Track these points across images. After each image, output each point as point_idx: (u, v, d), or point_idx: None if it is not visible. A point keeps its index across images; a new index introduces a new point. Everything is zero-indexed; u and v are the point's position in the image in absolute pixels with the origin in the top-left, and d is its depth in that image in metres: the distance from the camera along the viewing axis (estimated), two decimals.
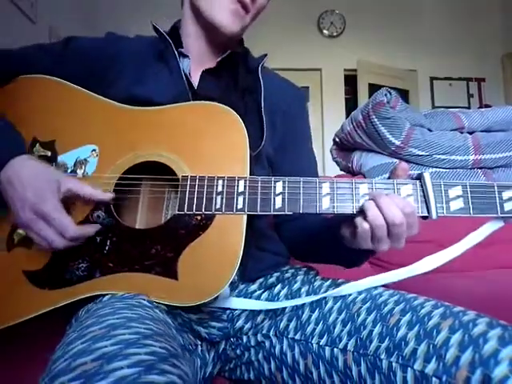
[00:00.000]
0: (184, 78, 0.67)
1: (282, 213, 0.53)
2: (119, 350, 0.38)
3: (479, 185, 0.52)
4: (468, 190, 0.52)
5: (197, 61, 0.73)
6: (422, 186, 0.52)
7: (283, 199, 0.53)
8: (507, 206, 0.51)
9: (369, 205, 0.51)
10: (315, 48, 4.33)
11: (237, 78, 0.71)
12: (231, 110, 0.59)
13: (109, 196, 0.58)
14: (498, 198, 0.52)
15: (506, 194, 0.52)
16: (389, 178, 0.56)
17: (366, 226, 0.51)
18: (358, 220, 0.52)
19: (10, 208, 0.56)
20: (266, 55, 0.75)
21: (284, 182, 0.54)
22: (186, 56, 0.71)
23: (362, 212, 0.52)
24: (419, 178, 0.53)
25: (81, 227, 0.55)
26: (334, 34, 4.40)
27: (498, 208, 0.51)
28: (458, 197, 0.52)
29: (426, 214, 0.52)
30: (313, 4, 4.34)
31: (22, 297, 0.57)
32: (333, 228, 0.60)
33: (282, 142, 0.74)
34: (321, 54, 4.33)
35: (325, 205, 0.53)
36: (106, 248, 0.57)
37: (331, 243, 0.61)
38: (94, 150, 0.61)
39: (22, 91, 0.66)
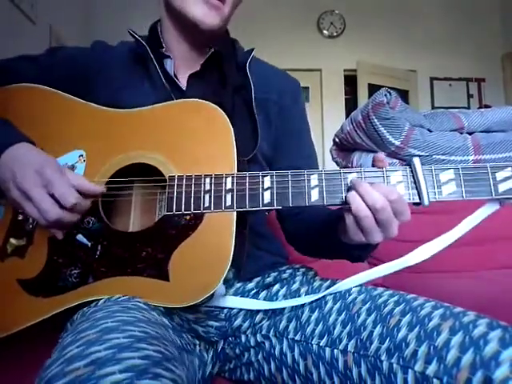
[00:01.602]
0: (165, 83, 0.66)
1: (272, 208, 0.53)
2: (112, 355, 0.38)
3: (472, 167, 0.50)
4: (460, 172, 0.50)
5: (182, 62, 0.71)
6: (412, 171, 0.51)
7: (272, 193, 0.53)
8: (502, 187, 0.49)
9: (350, 197, 0.50)
10: (315, 48, 4.34)
11: (224, 77, 0.69)
12: (217, 107, 0.58)
13: (100, 189, 0.56)
14: (491, 179, 0.49)
15: (499, 175, 0.49)
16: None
17: (350, 218, 0.50)
18: (345, 213, 0.52)
19: (5, 205, 0.55)
20: (253, 49, 0.72)
21: (272, 176, 0.53)
22: (167, 56, 0.69)
23: (346, 204, 0.51)
24: (409, 164, 0.51)
25: (80, 197, 0.53)
26: (334, 34, 4.41)
27: (492, 189, 0.49)
28: (450, 180, 0.50)
29: (418, 201, 0.50)
30: (313, 4, 4.34)
31: (18, 306, 0.57)
32: (333, 223, 0.59)
33: (278, 136, 0.73)
34: (320, 55, 4.34)
35: (314, 197, 0.52)
36: (98, 253, 0.56)
37: (332, 238, 0.60)
38: (81, 155, 0.61)
39: (7, 100, 0.65)
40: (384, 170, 0.51)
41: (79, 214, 0.54)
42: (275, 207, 0.53)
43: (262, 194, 0.53)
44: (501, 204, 0.51)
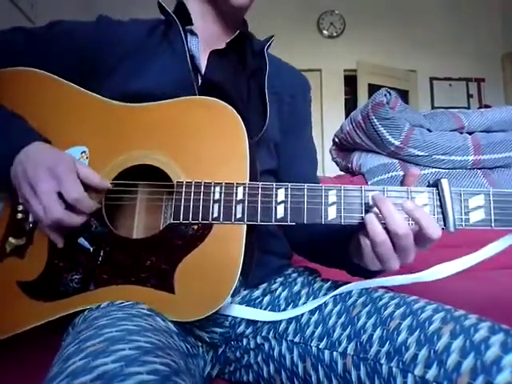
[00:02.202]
0: (189, 60, 0.62)
1: (284, 223, 0.49)
2: (120, 369, 0.36)
3: (504, 193, 0.46)
4: (491, 199, 0.47)
5: (205, 41, 0.69)
6: (439, 194, 0.47)
7: (285, 208, 0.49)
8: None
9: (368, 218, 0.46)
10: (315, 48, 4.34)
11: (244, 59, 0.69)
12: (231, 107, 0.55)
13: (105, 184, 0.54)
14: None
15: None
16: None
17: (366, 241, 0.47)
18: (360, 236, 0.48)
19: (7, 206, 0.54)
20: (272, 36, 0.71)
21: (286, 189, 0.50)
22: (194, 34, 0.67)
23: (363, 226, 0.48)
24: (436, 185, 0.48)
25: (84, 193, 0.52)
26: (334, 34, 4.40)
27: None
28: (479, 207, 0.47)
29: (443, 227, 0.47)
30: (312, 4, 4.34)
31: (17, 308, 0.55)
32: (341, 241, 0.57)
33: (287, 125, 0.73)
34: (320, 55, 4.34)
35: (331, 215, 0.49)
36: (100, 259, 0.54)
37: (338, 254, 0.59)
38: (84, 151, 0.58)
39: (5, 87, 0.61)
40: (409, 190, 0.48)
41: (83, 215, 0.53)
42: (289, 223, 0.49)
43: (275, 208, 0.50)
44: None
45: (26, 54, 0.63)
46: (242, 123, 0.54)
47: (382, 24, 4.38)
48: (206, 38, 0.69)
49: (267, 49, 0.70)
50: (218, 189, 0.51)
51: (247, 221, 0.50)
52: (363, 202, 0.48)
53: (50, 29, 0.65)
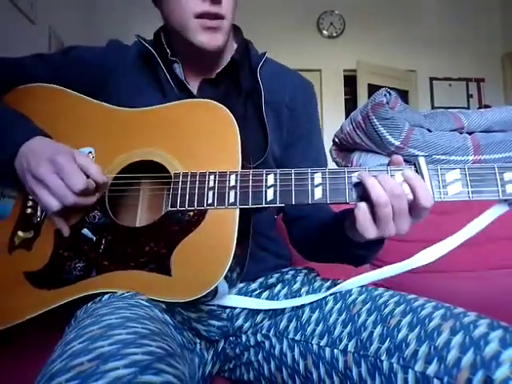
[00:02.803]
0: (174, 88, 0.66)
1: (274, 205, 0.52)
2: (116, 350, 0.38)
3: (478, 167, 0.49)
4: (466, 172, 0.49)
5: (192, 67, 0.70)
6: (417, 171, 0.50)
7: (275, 191, 0.52)
8: (510, 188, 0.48)
9: (370, 184, 0.48)
10: (315, 48, 4.34)
11: (238, 81, 0.69)
12: (223, 106, 0.59)
13: (103, 178, 0.57)
14: (499, 180, 0.48)
15: (507, 175, 0.48)
16: None
17: (364, 210, 0.49)
18: (357, 209, 0.49)
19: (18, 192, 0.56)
20: (265, 54, 0.72)
21: (275, 174, 0.53)
22: (177, 62, 0.68)
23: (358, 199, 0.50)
24: (414, 163, 0.51)
25: (87, 180, 0.54)
26: (334, 34, 4.41)
27: (500, 190, 0.48)
28: (456, 180, 0.49)
29: None
30: (312, 4, 4.35)
31: (23, 297, 0.58)
32: (339, 222, 0.58)
33: (289, 139, 0.72)
34: (320, 55, 4.34)
35: (317, 195, 0.52)
36: (102, 247, 0.57)
37: (339, 239, 0.60)
38: (91, 152, 0.62)
39: (18, 100, 0.66)
40: (388, 168, 0.51)
41: (93, 196, 0.56)
42: (278, 204, 0.52)
43: (265, 192, 0.53)
44: (509, 206, 0.50)
45: (42, 77, 0.68)
46: (235, 120, 0.58)
47: (381, 24, 4.38)
48: (192, 64, 0.70)
49: (260, 67, 0.69)
50: (212, 177, 0.55)
51: (240, 205, 0.53)
52: (347, 181, 0.51)
53: (64, 54, 0.71)
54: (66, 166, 0.53)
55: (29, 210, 0.62)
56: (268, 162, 0.68)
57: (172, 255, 0.54)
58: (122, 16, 3.68)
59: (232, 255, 0.52)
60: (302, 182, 0.52)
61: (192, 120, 0.60)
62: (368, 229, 0.49)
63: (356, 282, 0.57)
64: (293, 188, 0.52)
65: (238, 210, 0.54)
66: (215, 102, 0.59)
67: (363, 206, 0.49)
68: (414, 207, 0.48)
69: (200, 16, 0.61)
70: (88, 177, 0.55)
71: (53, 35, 2.83)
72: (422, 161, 0.50)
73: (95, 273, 0.56)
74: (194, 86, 0.70)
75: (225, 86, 0.70)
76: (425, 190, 0.47)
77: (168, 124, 0.61)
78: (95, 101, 0.66)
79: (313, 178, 0.52)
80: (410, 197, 0.48)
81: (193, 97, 0.68)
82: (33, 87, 0.67)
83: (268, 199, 0.52)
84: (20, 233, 0.61)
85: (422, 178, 0.49)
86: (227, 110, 0.58)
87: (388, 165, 0.52)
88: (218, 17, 0.62)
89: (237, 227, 0.53)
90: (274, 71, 0.73)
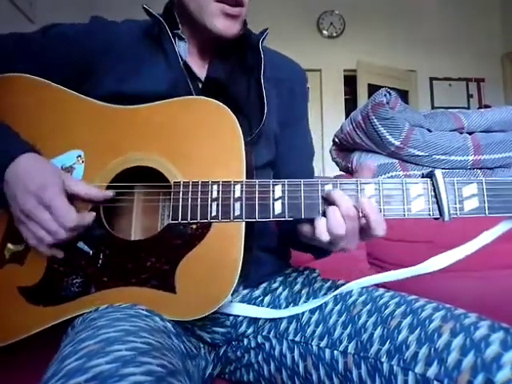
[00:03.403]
0: (181, 63, 0.62)
1: (282, 219, 0.50)
2: (115, 370, 0.36)
3: (496, 182, 0.48)
4: (484, 187, 0.47)
5: (197, 45, 0.68)
6: (433, 184, 0.48)
7: (283, 204, 0.49)
8: None
9: (340, 197, 0.47)
10: (315, 48, 4.33)
11: (245, 57, 0.68)
12: (226, 107, 0.55)
13: (109, 194, 0.55)
14: None
15: None
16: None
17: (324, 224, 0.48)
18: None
19: (4, 214, 0.54)
20: (266, 29, 0.70)
21: (283, 185, 0.50)
22: (182, 39, 0.65)
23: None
24: (430, 176, 0.49)
25: (79, 215, 0.52)
26: (334, 34, 4.41)
27: None
28: (473, 195, 0.47)
29: (438, 216, 0.48)
30: (312, 4, 4.34)
31: (19, 315, 0.55)
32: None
33: (285, 117, 0.72)
34: (320, 55, 4.34)
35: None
36: (100, 262, 0.54)
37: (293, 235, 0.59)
38: (80, 155, 0.58)
39: None
40: (404, 182, 0.49)
41: (84, 228, 0.54)
42: (287, 218, 0.49)
43: (273, 204, 0.50)
44: None
45: (18, 59, 0.63)
46: (237, 122, 0.54)
47: (381, 24, 4.38)
48: (197, 43, 0.68)
49: (262, 42, 0.68)
50: (215, 187, 0.51)
51: (246, 218, 0.50)
52: (359, 194, 0.49)
53: (44, 33, 0.65)
54: (54, 201, 0.51)
55: (24, 231, 0.57)
56: (268, 136, 0.67)
57: (176, 271, 0.51)
58: (122, 16, 3.66)
59: (239, 270, 0.50)
60: (312, 193, 0.49)
61: (191, 120, 0.55)
62: (322, 235, 0.48)
63: (358, 284, 0.56)
64: (302, 200, 0.49)
65: (244, 224, 0.51)
66: (216, 101, 0.55)
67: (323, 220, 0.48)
68: (365, 230, 0.48)
69: (221, 0, 0.60)
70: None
71: None
72: (438, 174, 0.48)
73: (94, 289, 0.53)
74: (200, 61, 0.68)
75: (232, 61, 0.68)
76: (377, 222, 0.47)
77: (165, 124, 0.56)
78: (83, 96, 0.60)
79: (323, 190, 0.49)
80: (363, 221, 0.47)
81: (195, 76, 0.65)
82: (15, 77, 0.61)
83: (276, 212, 0.50)
84: (10, 246, 0.57)
85: (439, 191, 0.48)
86: (229, 111, 0.55)
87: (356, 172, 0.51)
88: (238, 3, 0.61)
89: (243, 240, 0.51)
90: (272, 54, 0.73)
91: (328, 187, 0.49)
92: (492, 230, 0.50)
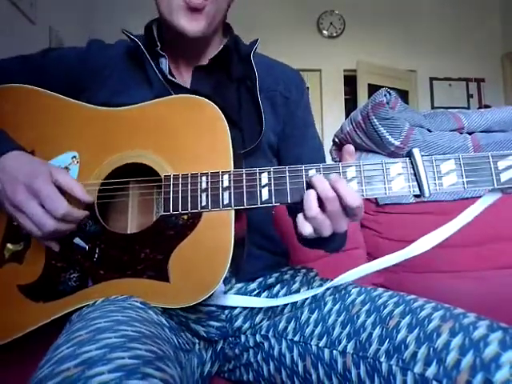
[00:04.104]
0: (163, 81, 0.64)
1: (270, 205, 0.52)
2: (103, 355, 0.38)
3: (473, 156, 0.49)
4: (461, 162, 0.49)
5: (184, 58, 0.70)
6: (412, 163, 0.49)
7: (269, 190, 0.52)
8: (504, 177, 0.48)
9: (318, 180, 0.49)
10: (315, 48, 4.33)
11: (229, 69, 0.68)
12: (209, 101, 0.57)
13: (89, 199, 0.56)
14: (493, 169, 0.48)
15: (501, 164, 0.48)
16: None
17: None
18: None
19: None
20: (257, 40, 0.71)
21: (269, 172, 0.52)
22: (162, 56, 0.68)
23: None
24: (409, 155, 0.50)
25: (70, 206, 0.53)
26: (334, 34, 4.40)
27: (494, 179, 0.48)
28: (451, 171, 0.49)
29: (419, 193, 0.49)
30: (312, 4, 4.34)
31: (19, 311, 0.57)
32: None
33: (284, 128, 0.72)
34: (320, 55, 4.33)
35: None
36: (96, 256, 0.56)
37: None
38: (75, 156, 0.60)
39: None
40: (383, 162, 0.50)
41: (75, 223, 0.55)
42: (273, 204, 0.52)
43: (260, 191, 0.52)
44: (503, 192, 0.50)
45: (20, 77, 0.66)
46: (223, 116, 0.56)
47: (382, 24, 4.38)
48: (184, 55, 0.69)
49: (253, 54, 0.68)
50: (204, 178, 0.53)
51: (234, 206, 0.52)
52: (341, 177, 0.50)
53: (44, 55, 0.70)
54: (44, 190, 0.52)
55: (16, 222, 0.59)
56: (263, 148, 0.68)
57: (169, 261, 0.53)
58: (122, 16, 3.67)
59: (230, 257, 0.51)
60: (297, 179, 0.51)
61: (179, 118, 0.58)
62: (304, 227, 0.49)
63: (353, 274, 0.55)
64: (288, 186, 0.51)
65: (233, 211, 0.53)
66: (201, 98, 0.57)
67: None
68: (343, 207, 0.49)
69: None
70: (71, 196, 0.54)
71: (52, 35, 2.83)
72: (416, 152, 0.49)
73: (92, 282, 0.55)
74: (186, 76, 0.69)
75: (217, 74, 0.69)
76: (346, 190, 0.48)
77: (155, 122, 0.58)
78: (74, 100, 0.63)
79: (307, 175, 0.51)
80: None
81: (184, 89, 0.66)
82: (6, 88, 0.64)
83: (263, 199, 0.52)
84: (9, 245, 0.59)
85: (417, 169, 0.49)
86: (215, 106, 0.57)
87: (340, 159, 0.51)
88: None
89: (233, 228, 0.52)
90: (264, 62, 0.73)
91: (312, 172, 0.51)
92: (475, 204, 0.51)
